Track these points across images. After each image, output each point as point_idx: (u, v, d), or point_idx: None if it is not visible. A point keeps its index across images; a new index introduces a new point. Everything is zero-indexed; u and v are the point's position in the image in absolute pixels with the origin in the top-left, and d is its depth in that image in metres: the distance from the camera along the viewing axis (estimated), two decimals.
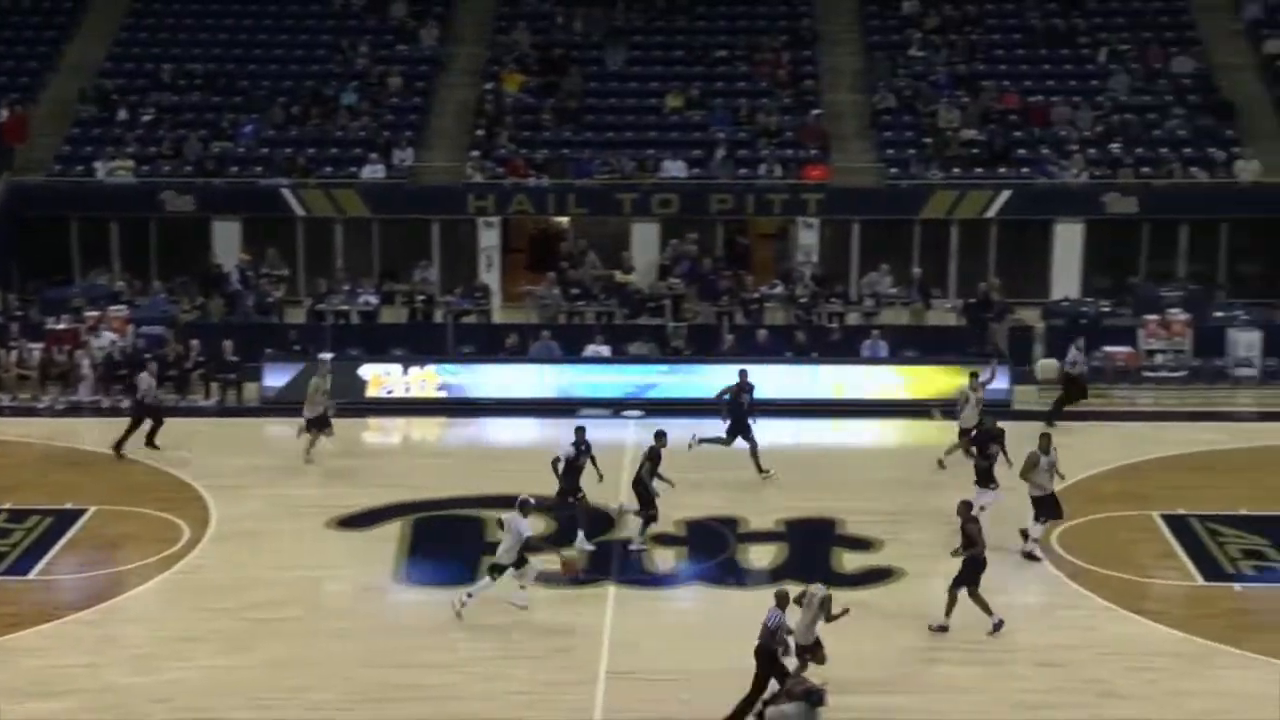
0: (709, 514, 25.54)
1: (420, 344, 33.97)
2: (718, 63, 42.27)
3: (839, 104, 41.26)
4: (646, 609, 22.36)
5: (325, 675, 19.99)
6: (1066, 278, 37.85)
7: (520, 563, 21.79)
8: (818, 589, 19.57)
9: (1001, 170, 38.57)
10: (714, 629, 21.47)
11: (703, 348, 33.50)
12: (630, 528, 24.54)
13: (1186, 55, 41.32)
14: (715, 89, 41.49)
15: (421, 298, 36.18)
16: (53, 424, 31.12)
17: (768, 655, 18.73)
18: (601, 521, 24.82)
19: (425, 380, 32.24)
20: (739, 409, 27.25)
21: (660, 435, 24.80)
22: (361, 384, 32.06)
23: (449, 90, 41.90)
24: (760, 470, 27.07)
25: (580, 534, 24.29)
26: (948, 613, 21.05)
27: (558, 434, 28.61)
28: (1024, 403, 31.27)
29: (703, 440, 27.02)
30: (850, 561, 23.71)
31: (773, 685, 18.56)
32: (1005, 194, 37.88)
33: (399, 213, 38.57)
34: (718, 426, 27.30)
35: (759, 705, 18.54)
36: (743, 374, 27.51)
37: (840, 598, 22.30)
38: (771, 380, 31.65)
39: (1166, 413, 31.14)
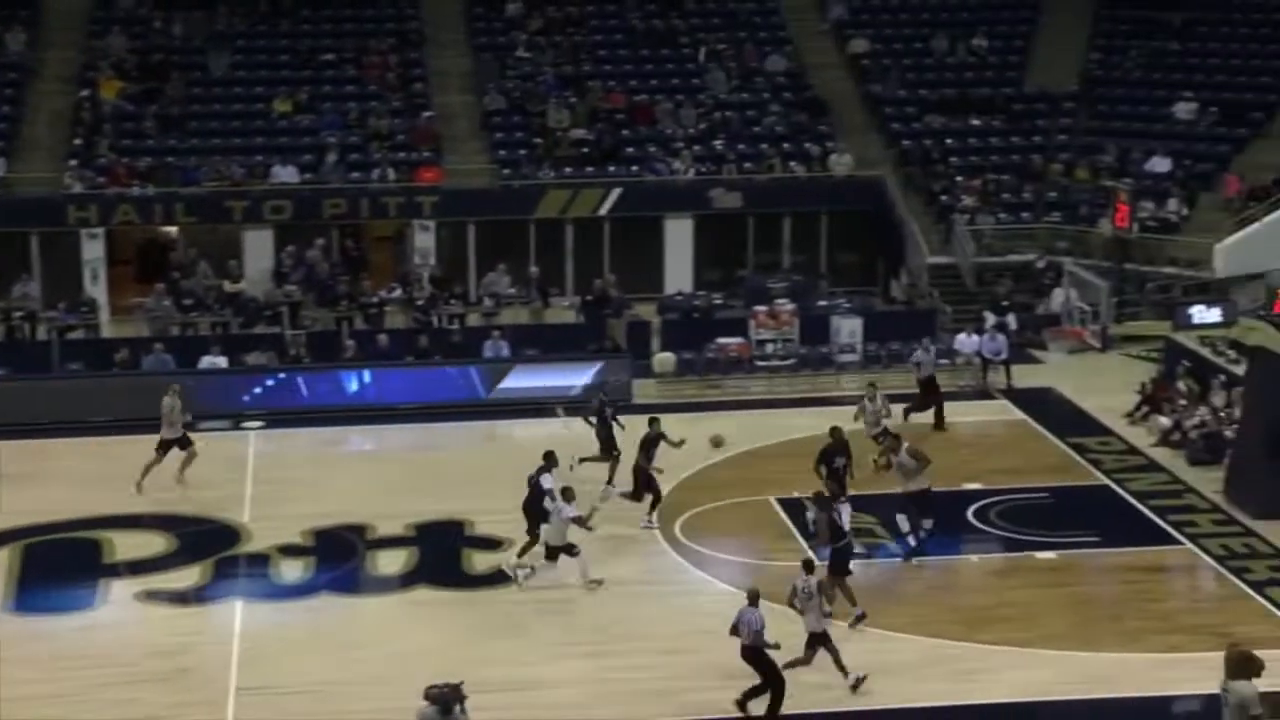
0: (337, 522, 25.26)
1: (23, 362, 32.55)
2: (325, 66, 41.82)
3: (449, 106, 41.34)
4: (275, 621, 21.97)
5: None
6: (679, 272, 38.84)
7: (571, 549, 22.00)
8: (810, 580, 19.49)
9: (611, 169, 39.34)
10: (345, 638, 21.25)
11: (323, 354, 33.06)
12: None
13: (779, 54, 42.93)
14: (324, 93, 41.04)
15: (20, 313, 34.67)
16: None
17: (757, 653, 18.77)
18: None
19: None
20: (605, 423, 26.64)
21: (653, 421, 25.45)
22: None
23: (41, 98, 40.29)
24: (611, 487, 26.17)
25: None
26: (852, 602, 21.19)
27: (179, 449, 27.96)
28: (644, 397, 31.92)
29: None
30: (481, 561, 23.81)
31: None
32: (616, 192, 38.64)
33: None
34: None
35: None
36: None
37: (468, 597, 22.54)
38: (394, 384, 31.65)
39: (778, 400, 32.24)
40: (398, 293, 35.90)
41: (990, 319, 33.94)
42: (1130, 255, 36.55)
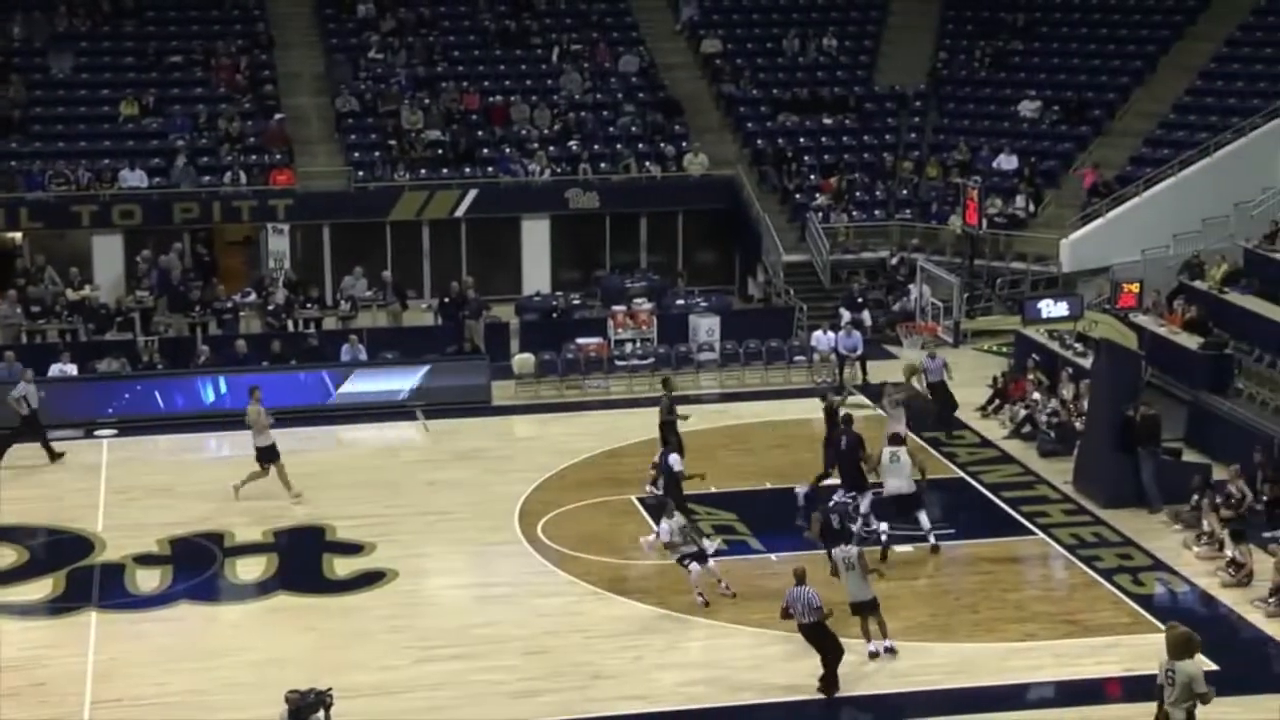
0: (194, 530, 24.93)
1: None
2: (172, 68, 41.19)
3: (301, 108, 40.95)
4: (131, 633, 21.61)
5: None
6: (537, 273, 38.83)
7: (701, 557, 21.94)
8: (849, 550, 20.24)
9: (467, 170, 39.21)
10: (204, 647, 21.00)
11: (177, 361, 32.59)
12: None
13: (632, 54, 43.09)
14: (172, 95, 40.42)
15: None
16: None
17: (820, 628, 19.06)
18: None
19: None
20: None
21: (666, 381, 28.05)
22: None
23: None
24: None
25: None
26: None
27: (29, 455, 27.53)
28: (503, 398, 31.89)
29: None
30: (342, 567, 23.64)
31: None
32: (472, 193, 38.53)
33: None
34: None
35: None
36: None
37: (335, 604, 22.39)
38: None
39: (638, 399, 32.34)
40: (252, 297, 35.48)
41: (845, 316, 34.37)
42: (980, 251, 37.20)
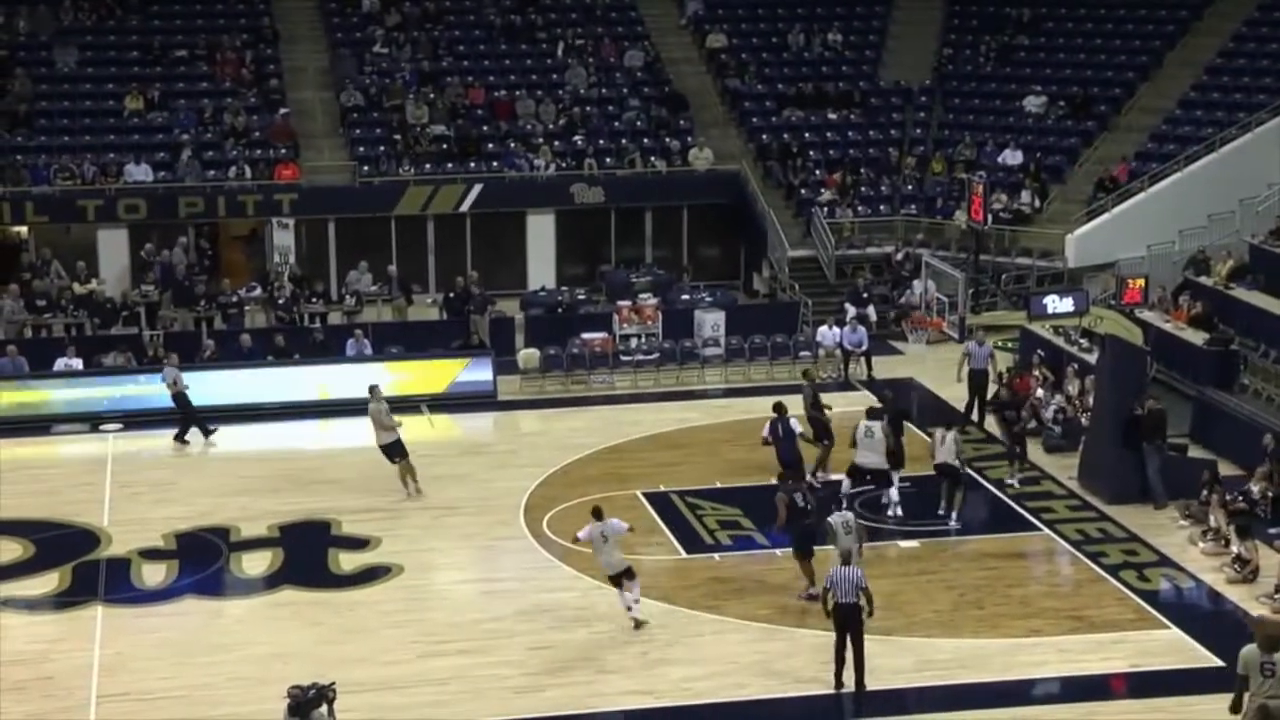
0: (199, 524, 24.95)
1: None
2: (177, 63, 41.22)
3: (306, 102, 40.96)
4: (137, 627, 21.62)
5: None
6: (542, 268, 38.86)
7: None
8: (847, 514, 21.29)
9: (472, 164, 39.21)
10: (209, 642, 21.02)
11: (182, 355, 32.51)
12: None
13: (637, 49, 43.08)
14: (177, 90, 40.46)
15: None
16: None
17: (856, 609, 19.10)
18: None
19: None
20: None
21: (806, 373, 27.77)
22: None
23: None
24: None
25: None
26: (811, 583, 21.47)
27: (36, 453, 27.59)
28: (508, 393, 31.90)
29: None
30: (348, 561, 23.65)
31: None
32: (477, 188, 38.53)
33: None
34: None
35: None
36: None
37: (340, 599, 22.40)
38: (255, 384, 31.28)
39: (642, 394, 32.37)
40: (257, 291, 35.51)
41: (851, 311, 34.35)
42: (985, 246, 37.19)
